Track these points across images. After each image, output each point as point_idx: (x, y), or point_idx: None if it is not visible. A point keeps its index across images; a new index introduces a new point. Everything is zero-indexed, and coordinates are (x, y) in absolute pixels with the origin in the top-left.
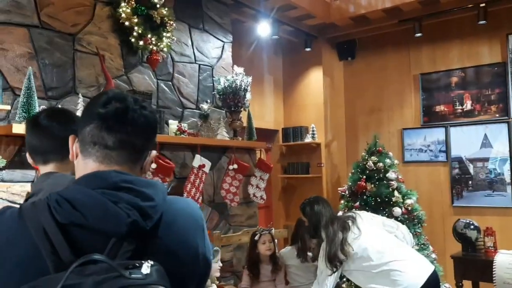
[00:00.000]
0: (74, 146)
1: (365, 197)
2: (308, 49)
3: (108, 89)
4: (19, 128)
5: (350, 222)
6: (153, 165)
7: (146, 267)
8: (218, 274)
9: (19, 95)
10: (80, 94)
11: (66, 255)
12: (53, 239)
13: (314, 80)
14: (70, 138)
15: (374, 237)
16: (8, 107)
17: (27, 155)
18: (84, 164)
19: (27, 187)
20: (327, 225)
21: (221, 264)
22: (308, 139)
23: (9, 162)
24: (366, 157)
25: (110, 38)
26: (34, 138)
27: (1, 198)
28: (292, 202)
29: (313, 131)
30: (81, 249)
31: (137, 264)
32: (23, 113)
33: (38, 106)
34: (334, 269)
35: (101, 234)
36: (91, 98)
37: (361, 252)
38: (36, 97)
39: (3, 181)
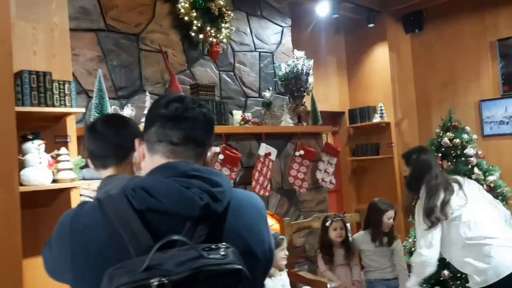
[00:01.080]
0: (140, 148)
1: None
2: (371, 25)
3: (173, 84)
4: None
5: (456, 186)
6: (220, 156)
7: (223, 249)
8: (284, 262)
9: (92, 97)
10: (147, 91)
11: (145, 239)
12: (133, 224)
13: (380, 57)
14: (136, 142)
15: (480, 208)
16: (83, 110)
17: (88, 160)
18: (152, 160)
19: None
20: (431, 179)
21: (287, 253)
22: (376, 119)
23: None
24: (441, 134)
25: (172, 35)
26: (92, 144)
27: (84, 195)
28: (363, 185)
29: (381, 110)
30: (157, 234)
31: (214, 246)
32: (97, 114)
33: (110, 106)
34: (430, 225)
35: (176, 218)
36: (153, 102)
37: (461, 219)
38: (107, 98)
39: (84, 179)
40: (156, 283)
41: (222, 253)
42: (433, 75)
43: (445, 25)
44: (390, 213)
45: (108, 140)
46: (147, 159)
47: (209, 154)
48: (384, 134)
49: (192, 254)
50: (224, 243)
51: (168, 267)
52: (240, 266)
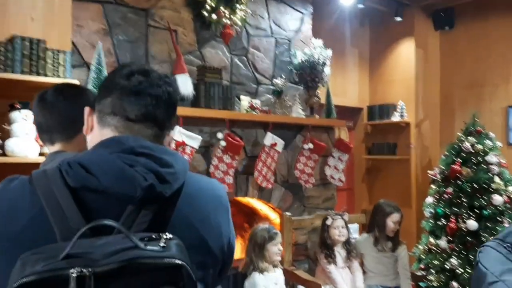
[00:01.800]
0: (90, 118)
1: (459, 182)
2: (398, 19)
3: (178, 64)
4: None
5: None
6: (222, 143)
7: (164, 240)
8: (278, 258)
9: None
10: None
11: (76, 221)
12: (63, 204)
13: (405, 53)
14: (86, 110)
15: None
16: (76, 82)
17: (37, 135)
18: (100, 134)
19: None
20: None
21: (281, 248)
22: (396, 118)
23: None
24: (463, 138)
25: (183, 12)
26: (39, 115)
27: None
28: (376, 185)
29: (401, 109)
30: (92, 217)
31: (154, 236)
32: (94, 89)
33: None
34: None
35: (116, 199)
36: (112, 70)
37: None
38: (105, 72)
39: None
40: (75, 274)
41: (162, 244)
42: (460, 75)
43: (476, 24)
44: (395, 216)
45: (56, 111)
46: (95, 132)
47: (166, 138)
48: (402, 134)
49: (127, 243)
50: (168, 234)
51: (95, 256)
52: (180, 262)
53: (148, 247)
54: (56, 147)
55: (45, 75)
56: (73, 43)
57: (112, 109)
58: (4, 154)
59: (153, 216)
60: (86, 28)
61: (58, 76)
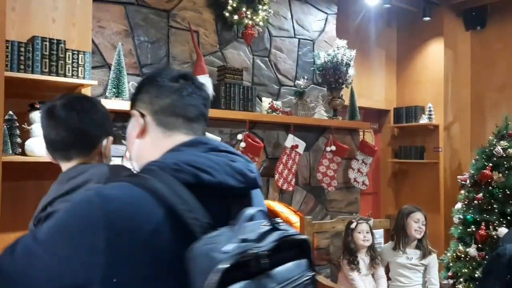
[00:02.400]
0: (141, 120)
1: (490, 188)
2: (427, 18)
3: (198, 65)
4: (108, 103)
5: None
6: (242, 144)
7: (281, 222)
8: None
9: None
10: None
11: (202, 216)
12: (189, 201)
13: (433, 54)
14: (135, 113)
15: None
16: (95, 82)
17: (45, 150)
18: (167, 136)
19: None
20: None
21: None
22: (424, 120)
23: None
24: (494, 142)
25: (205, 13)
26: (51, 132)
27: None
28: (403, 190)
29: (430, 111)
30: (208, 211)
31: (278, 220)
32: (113, 89)
33: (128, 82)
34: None
35: (222, 192)
36: (152, 74)
37: None
38: (125, 73)
39: None
40: (260, 252)
41: (284, 225)
42: (492, 77)
43: (509, 23)
44: (417, 215)
45: (71, 128)
46: (154, 134)
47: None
48: (430, 137)
49: (266, 228)
50: (279, 218)
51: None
52: (307, 237)
53: (282, 227)
54: (74, 162)
55: (65, 75)
56: (94, 44)
57: (173, 111)
58: (23, 154)
59: (248, 204)
60: (108, 29)
61: (78, 77)
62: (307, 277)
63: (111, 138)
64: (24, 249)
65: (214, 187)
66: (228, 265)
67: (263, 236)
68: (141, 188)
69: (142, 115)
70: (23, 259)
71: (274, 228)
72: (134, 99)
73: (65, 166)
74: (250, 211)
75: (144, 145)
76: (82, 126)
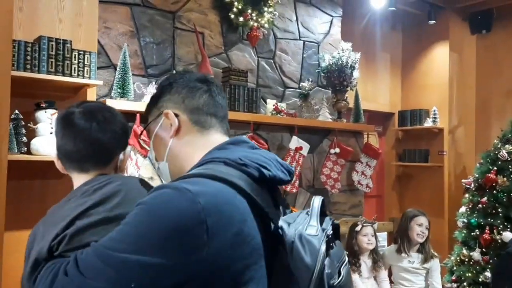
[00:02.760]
0: (173, 121)
1: (494, 191)
2: (432, 22)
3: (203, 66)
4: (113, 104)
5: None
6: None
7: None
8: None
9: None
10: None
11: (269, 205)
12: (260, 193)
13: (439, 57)
14: (169, 113)
15: None
16: (100, 82)
17: (55, 158)
18: (204, 135)
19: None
20: None
21: None
22: (428, 124)
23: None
24: (499, 146)
25: (210, 15)
26: (68, 142)
27: None
28: (407, 193)
29: (434, 114)
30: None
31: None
32: (118, 89)
33: (133, 83)
34: None
35: (270, 185)
36: (178, 75)
37: None
38: (130, 74)
39: None
40: (329, 233)
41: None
42: (497, 81)
43: None
44: (420, 219)
45: (90, 140)
46: (195, 134)
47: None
48: (435, 141)
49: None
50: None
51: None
52: (338, 222)
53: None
54: (91, 175)
55: (71, 75)
56: (100, 44)
57: (207, 111)
58: (29, 153)
59: (280, 195)
60: (114, 30)
61: (83, 77)
62: (346, 258)
63: (128, 151)
64: (95, 265)
65: (269, 180)
66: (325, 246)
67: (321, 221)
68: (219, 182)
69: (176, 115)
70: (97, 273)
71: (322, 213)
72: (158, 100)
73: (79, 177)
74: (318, 199)
75: (179, 145)
76: (103, 139)
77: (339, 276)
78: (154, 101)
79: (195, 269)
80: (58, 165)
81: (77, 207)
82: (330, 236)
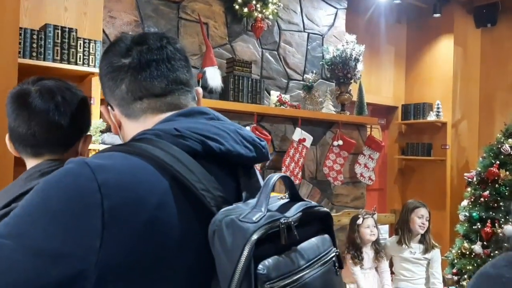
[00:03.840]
0: (111, 114)
1: (497, 185)
2: (437, 15)
3: (207, 56)
4: None
5: None
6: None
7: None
8: None
9: None
10: None
11: (212, 187)
12: (196, 171)
13: (443, 51)
14: (102, 108)
15: None
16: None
17: (7, 139)
18: (138, 125)
19: None
20: None
21: None
22: (431, 117)
23: (109, 125)
24: (502, 140)
25: (215, 6)
26: (21, 124)
27: None
28: (409, 187)
29: (438, 108)
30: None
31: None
32: None
33: None
34: None
35: (231, 162)
36: (104, 52)
37: None
38: None
39: (104, 143)
40: (284, 221)
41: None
42: (501, 75)
43: None
44: (421, 211)
45: (47, 122)
46: (128, 127)
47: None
48: (438, 134)
49: (285, 199)
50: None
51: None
52: (328, 210)
53: (305, 200)
54: (42, 159)
55: (76, 63)
56: (105, 34)
57: (133, 95)
58: None
59: (256, 179)
60: (118, 20)
61: (88, 65)
62: (334, 254)
63: (90, 137)
64: None
65: (222, 156)
66: (260, 236)
67: (285, 206)
68: (138, 157)
69: (109, 108)
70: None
71: (295, 199)
72: (102, 87)
73: (32, 162)
74: (274, 177)
75: (125, 137)
76: (62, 122)
77: (297, 280)
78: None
79: (84, 264)
80: (11, 148)
81: (14, 190)
82: (290, 224)
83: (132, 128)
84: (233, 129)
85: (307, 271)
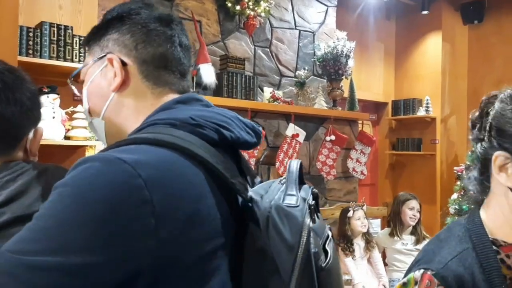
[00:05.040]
0: (120, 70)
1: None
2: (425, 12)
3: (201, 53)
4: None
5: None
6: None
7: None
8: None
9: None
10: None
11: (235, 174)
12: (220, 159)
13: (431, 47)
14: (114, 59)
15: None
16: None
17: None
18: (155, 95)
19: None
20: None
21: None
22: (421, 113)
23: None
24: None
25: (207, 3)
26: None
27: None
28: (400, 181)
29: (427, 104)
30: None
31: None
32: None
33: None
34: None
35: (233, 148)
36: (133, 9)
37: None
38: None
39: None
40: (311, 203)
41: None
42: (488, 71)
43: (507, 18)
44: (412, 203)
45: None
46: (141, 91)
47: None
48: (428, 130)
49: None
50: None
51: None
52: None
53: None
54: None
55: (72, 60)
56: None
57: (165, 64)
58: None
59: (244, 161)
60: None
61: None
62: (331, 233)
63: (41, 129)
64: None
65: (232, 144)
66: (310, 220)
67: (299, 189)
68: (167, 149)
69: (124, 63)
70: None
71: (300, 182)
72: (102, 37)
73: None
74: (295, 164)
75: (121, 102)
76: (5, 113)
77: (325, 255)
78: (97, 35)
79: (140, 264)
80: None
81: None
82: (312, 207)
83: (144, 92)
84: (234, 116)
85: (328, 246)
